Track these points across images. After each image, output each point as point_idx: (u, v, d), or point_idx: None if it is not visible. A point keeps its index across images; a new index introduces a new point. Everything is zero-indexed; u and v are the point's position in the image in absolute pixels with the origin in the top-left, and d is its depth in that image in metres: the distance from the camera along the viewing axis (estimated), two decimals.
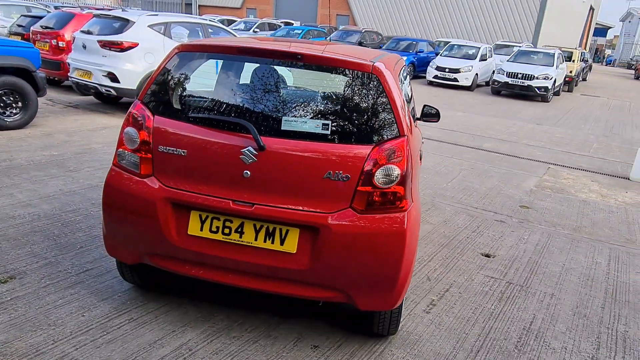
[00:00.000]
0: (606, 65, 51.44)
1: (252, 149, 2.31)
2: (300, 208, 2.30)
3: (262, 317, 2.84)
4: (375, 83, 2.37)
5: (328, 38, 19.62)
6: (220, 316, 2.82)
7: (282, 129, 2.34)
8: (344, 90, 2.40)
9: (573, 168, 7.44)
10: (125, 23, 7.74)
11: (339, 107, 2.38)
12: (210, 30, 8.82)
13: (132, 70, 7.54)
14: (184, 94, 2.52)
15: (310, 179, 2.29)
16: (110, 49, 7.50)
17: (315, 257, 2.30)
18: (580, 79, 21.57)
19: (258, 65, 2.49)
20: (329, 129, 2.33)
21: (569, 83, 18.27)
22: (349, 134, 2.33)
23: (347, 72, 2.40)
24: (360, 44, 18.58)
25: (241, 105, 2.43)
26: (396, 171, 2.27)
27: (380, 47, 19.08)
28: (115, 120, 7.52)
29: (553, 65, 15.32)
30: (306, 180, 2.30)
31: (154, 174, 2.47)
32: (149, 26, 7.85)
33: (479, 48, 16.73)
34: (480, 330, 2.91)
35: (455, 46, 17.50)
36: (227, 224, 2.39)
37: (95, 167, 5.18)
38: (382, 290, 2.35)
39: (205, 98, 2.48)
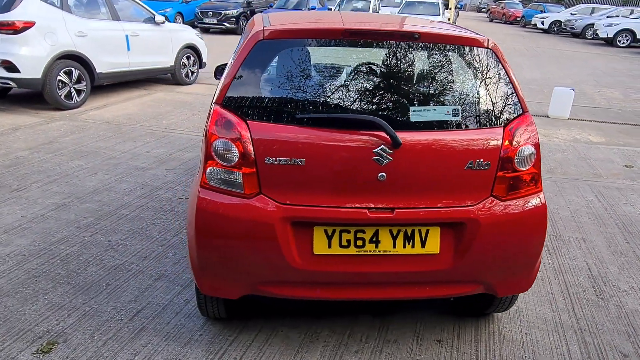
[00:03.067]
0: (458, 9, 55.77)
1: (385, 148, 2.03)
2: (442, 205, 2.11)
3: (363, 323, 2.63)
4: (493, 59, 2.21)
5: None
6: (324, 332, 2.55)
7: (411, 120, 2.08)
8: (463, 70, 2.20)
9: None
10: None
11: (462, 88, 2.18)
12: None
13: (34, 56, 6.26)
14: (282, 91, 2.10)
15: (452, 172, 2.10)
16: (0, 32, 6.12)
17: (461, 254, 2.14)
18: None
19: (364, 48, 2.15)
20: (459, 114, 2.13)
21: None
22: (479, 117, 2.16)
23: (463, 50, 2.20)
24: (248, 4, 17.67)
25: (359, 98, 2.10)
26: (531, 150, 2.17)
27: (270, 6, 18.38)
28: (23, 117, 6.27)
29: (439, 14, 16.15)
30: (448, 174, 2.10)
31: (262, 191, 2.06)
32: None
33: (370, 2, 16.95)
34: (559, 287, 3.04)
35: (345, 1, 17.51)
36: (359, 235, 2.11)
37: (45, 181, 4.29)
38: (522, 274, 2.30)
39: (311, 93, 2.10)
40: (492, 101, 2.18)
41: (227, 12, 16.88)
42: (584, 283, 3.10)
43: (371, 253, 2.12)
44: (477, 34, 2.26)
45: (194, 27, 12.92)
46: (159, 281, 2.92)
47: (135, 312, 2.63)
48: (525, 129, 2.18)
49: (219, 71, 4.08)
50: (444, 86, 2.17)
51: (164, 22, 8.44)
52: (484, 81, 2.19)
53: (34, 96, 7.16)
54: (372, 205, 2.07)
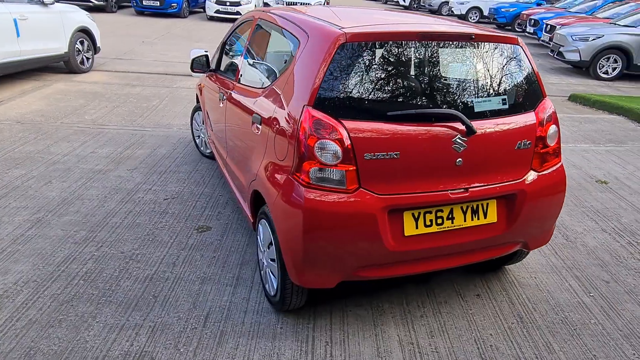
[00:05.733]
0: None
1: (461, 136, 2.33)
2: (500, 181, 2.49)
3: (412, 291, 2.95)
4: (521, 53, 2.61)
5: None
6: (385, 305, 2.82)
7: (475, 110, 2.40)
8: (504, 63, 2.56)
9: None
10: None
11: (506, 79, 2.55)
12: None
13: None
14: (367, 90, 2.24)
15: (507, 152, 2.48)
16: None
17: (512, 220, 2.56)
18: None
19: (432, 48, 2.38)
20: (507, 102, 2.51)
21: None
22: (519, 104, 2.56)
23: (503, 47, 2.56)
24: None
25: (435, 92, 2.35)
26: (555, 129, 2.65)
27: None
28: None
29: None
30: (504, 154, 2.47)
31: (362, 185, 2.23)
32: None
33: None
34: None
35: None
36: (439, 214, 2.40)
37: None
38: (547, 230, 2.80)
39: (395, 91, 2.28)
40: (525, 89, 2.60)
41: None
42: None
43: (448, 228, 2.43)
44: (509, 34, 2.64)
45: None
46: (205, 285, 2.88)
47: (204, 318, 2.60)
48: (549, 111, 2.64)
49: (198, 64, 3.96)
50: (494, 78, 2.52)
51: (52, 3, 7.51)
52: (519, 72, 2.59)
53: None
54: (451, 188, 2.37)
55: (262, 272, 2.84)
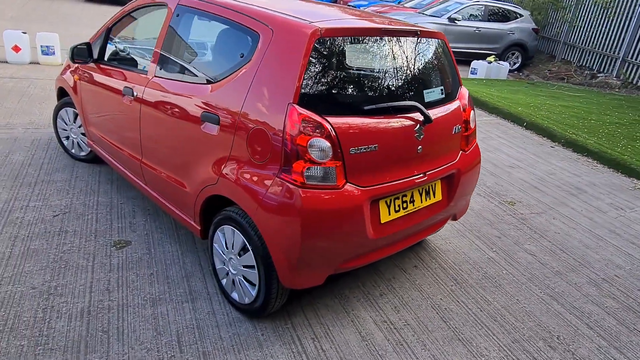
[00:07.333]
0: None
1: (420, 126, 2.52)
2: (444, 163, 2.77)
3: (362, 274, 3.11)
4: (444, 46, 2.91)
5: None
6: (345, 291, 2.91)
7: (425, 101, 2.62)
8: (437, 56, 2.81)
9: None
10: None
11: (439, 70, 2.81)
12: None
13: None
14: (344, 85, 2.24)
15: (449, 137, 2.77)
16: None
17: (451, 196, 2.89)
18: None
19: (389, 44, 2.46)
20: (444, 92, 2.79)
21: None
22: (449, 92, 2.86)
23: (436, 42, 2.80)
24: None
25: (399, 86, 2.46)
26: (474, 113, 3.05)
27: None
28: None
29: None
30: (447, 139, 2.76)
31: (348, 179, 2.26)
32: None
33: None
34: None
35: None
36: (404, 199, 2.58)
37: None
38: (468, 201, 3.23)
39: (368, 86, 2.32)
40: (451, 78, 2.92)
41: None
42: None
43: (411, 211, 2.63)
44: (435, 30, 2.91)
45: None
46: (158, 306, 2.58)
47: (176, 343, 2.34)
48: (467, 97, 3.02)
49: (79, 54, 3.39)
50: (434, 70, 2.76)
51: None
52: (447, 63, 2.89)
53: None
54: (415, 174, 2.56)
55: (223, 280, 2.66)
